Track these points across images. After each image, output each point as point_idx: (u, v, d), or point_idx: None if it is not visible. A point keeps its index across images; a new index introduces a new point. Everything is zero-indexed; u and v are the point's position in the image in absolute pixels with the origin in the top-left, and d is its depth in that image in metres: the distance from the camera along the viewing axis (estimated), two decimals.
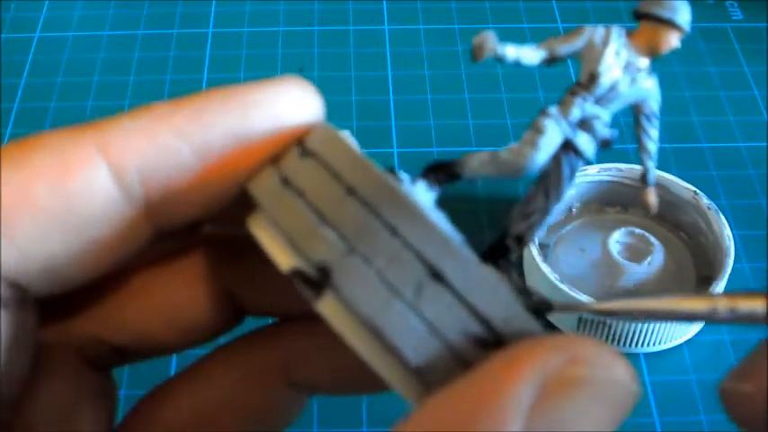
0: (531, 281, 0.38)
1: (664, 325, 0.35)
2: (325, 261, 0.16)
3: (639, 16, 0.22)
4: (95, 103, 0.48)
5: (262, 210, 0.18)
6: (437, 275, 0.15)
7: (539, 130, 0.20)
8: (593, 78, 0.21)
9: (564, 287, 0.35)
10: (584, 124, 0.21)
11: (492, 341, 0.15)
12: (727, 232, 0.37)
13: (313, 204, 0.17)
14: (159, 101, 0.18)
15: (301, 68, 0.49)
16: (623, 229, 0.39)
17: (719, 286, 0.36)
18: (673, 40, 0.23)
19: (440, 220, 0.18)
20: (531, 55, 0.22)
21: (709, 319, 0.18)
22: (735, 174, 0.44)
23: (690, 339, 0.37)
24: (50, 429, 0.19)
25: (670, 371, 0.37)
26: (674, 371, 0.37)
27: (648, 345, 0.36)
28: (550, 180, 0.21)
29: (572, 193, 0.40)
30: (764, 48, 0.50)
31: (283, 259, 0.17)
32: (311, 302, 0.16)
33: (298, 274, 0.16)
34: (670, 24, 0.22)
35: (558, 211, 0.40)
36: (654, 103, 0.22)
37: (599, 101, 0.21)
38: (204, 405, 0.22)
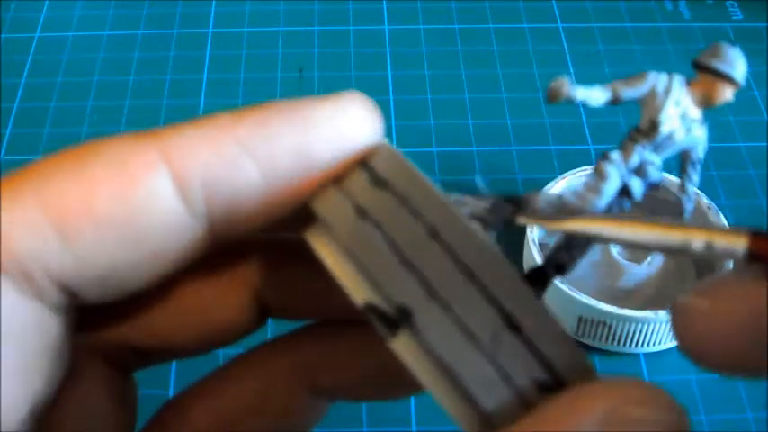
0: None
1: (664, 325, 0.35)
2: (405, 302, 0.16)
3: (699, 67, 0.23)
4: (95, 103, 0.48)
5: (333, 235, 0.18)
6: (513, 325, 0.16)
7: (603, 177, 0.21)
8: (654, 127, 0.22)
9: (564, 287, 0.36)
10: (639, 170, 0.22)
11: (553, 384, 0.16)
12: None
13: (393, 241, 0.17)
14: (224, 112, 0.17)
15: (301, 68, 0.49)
16: None
17: None
18: (728, 94, 0.24)
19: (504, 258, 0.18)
20: (598, 96, 0.23)
21: (682, 253, 0.17)
22: (735, 174, 0.44)
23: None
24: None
25: (670, 371, 0.37)
26: (674, 371, 0.37)
27: (648, 345, 0.36)
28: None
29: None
30: (764, 48, 0.51)
31: (359, 292, 0.17)
32: (385, 338, 0.17)
33: (374, 309, 0.17)
34: (728, 79, 0.22)
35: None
36: (701, 150, 0.23)
37: (656, 148, 0.22)
38: (230, 409, 0.21)
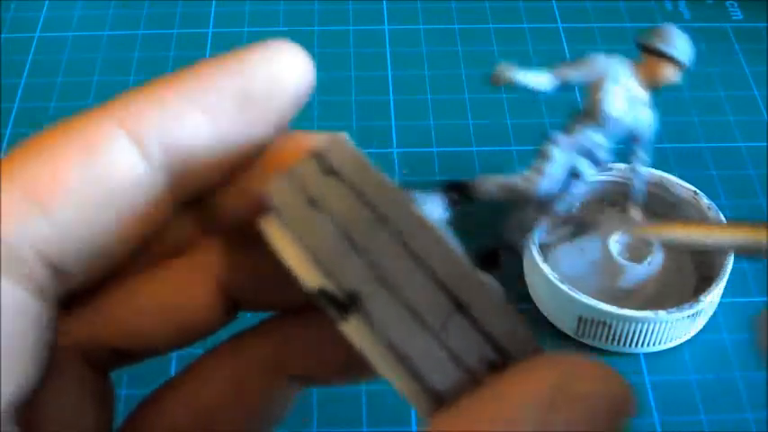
0: (532, 281, 0.38)
1: (664, 325, 0.35)
2: (355, 287, 0.17)
3: (643, 49, 0.23)
4: (95, 102, 0.48)
5: (285, 223, 0.18)
6: (461, 307, 0.16)
7: (546, 158, 0.22)
8: (599, 109, 0.23)
9: (564, 287, 0.36)
10: (587, 151, 0.22)
11: (502, 363, 0.17)
12: None
13: (343, 228, 0.17)
14: (168, 74, 0.19)
15: None
16: (623, 229, 0.39)
17: (719, 286, 0.36)
18: (673, 75, 0.24)
19: (453, 241, 0.19)
20: (540, 80, 0.23)
21: (756, 251, 0.18)
22: (735, 174, 0.44)
23: (690, 339, 0.37)
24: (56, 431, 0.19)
25: (670, 371, 0.37)
26: (674, 371, 0.37)
27: (648, 345, 0.36)
28: (548, 198, 0.22)
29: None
30: (764, 48, 0.51)
31: (310, 278, 0.17)
32: (336, 322, 0.17)
33: (325, 294, 0.17)
34: (672, 60, 0.23)
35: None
36: (648, 130, 0.24)
37: (602, 130, 0.22)
38: (205, 402, 0.22)
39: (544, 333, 0.38)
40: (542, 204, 0.21)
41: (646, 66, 0.23)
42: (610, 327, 0.36)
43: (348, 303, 0.17)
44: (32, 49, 0.51)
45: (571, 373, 0.16)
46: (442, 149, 0.45)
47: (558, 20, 0.53)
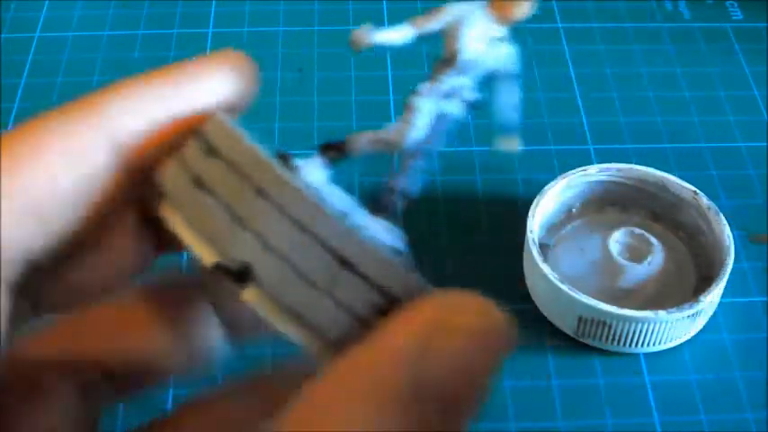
0: (532, 281, 0.38)
1: (664, 325, 0.35)
2: (246, 258, 0.18)
3: None
4: None
5: (177, 207, 0.20)
6: (345, 263, 0.18)
7: (413, 110, 0.23)
8: (454, 55, 0.24)
9: (564, 287, 0.36)
10: (453, 94, 0.24)
11: (389, 308, 0.18)
12: (727, 232, 0.37)
13: (226, 205, 0.19)
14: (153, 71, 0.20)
15: (301, 68, 0.49)
16: (623, 229, 0.39)
17: (719, 286, 0.36)
18: (524, 8, 0.25)
19: (337, 196, 0.21)
20: (398, 35, 0.25)
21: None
22: (735, 174, 0.44)
23: (690, 339, 0.37)
24: None
25: (670, 371, 0.37)
26: (674, 371, 0.37)
27: (648, 345, 0.36)
28: (427, 139, 0.23)
29: (573, 193, 0.40)
30: (764, 48, 0.50)
31: (206, 255, 0.19)
32: (235, 293, 0.18)
33: (220, 268, 0.18)
34: None
35: (557, 212, 0.40)
36: (510, 65, 0.25)
37: (463, 72, 0.23)
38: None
39: (544, 333, 0.38)
40: (413, 152, 0.23)
41: (497, 2, 0.24)
42: (610, 327, 0.36)
43: (243, 273, 0.18)
44: (32, 49, 0.51)
45: (450, 307, 0.17)
46: (441, 149, 0.45)
47: (558, 20, 0.53)
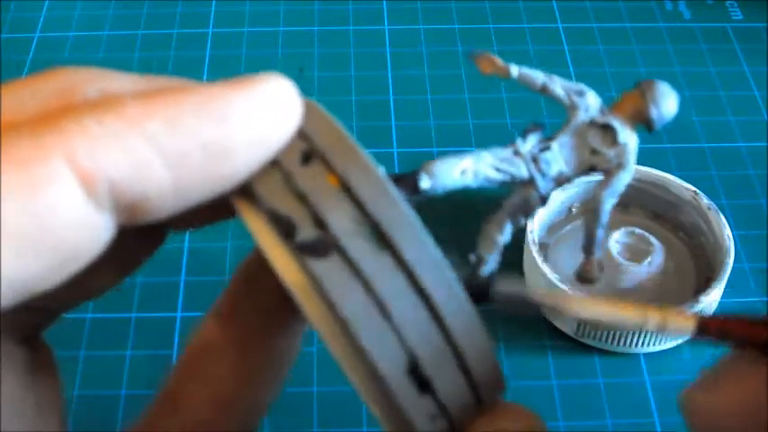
0: (531, 281, 0.38)
1: None
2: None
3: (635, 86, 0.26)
4: None
5: (261, 208, 0.18)
6: (422, 291, 0.17)
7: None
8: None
9: (564, 287, 0.36)
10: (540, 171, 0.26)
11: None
12: (727, 232, 0.37)
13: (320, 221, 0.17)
14: (133, 98, 0.16)
15: (301, 68, 0.49)
16: (623, 229, 0.39)
17: (719, 286, 0.36)
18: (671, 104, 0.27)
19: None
20: (532, 80, 0.26)
21: (640, 328, 0.20)
22: (735, 174, 0.44)
23: (690, 339, 0.37)
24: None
25: (670, 371, 0.37)
26: (674, 371, 0.37)
27: (648, 345, 0.36)
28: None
29: (572, 193, 0.40)
30: (764, 48, 0.51)
31: (289, 274, 0.17)
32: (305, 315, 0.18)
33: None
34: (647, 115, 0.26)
35: (557, 213, 0.40)
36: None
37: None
38: (219, 385, 0.22)
39: (544, 333, 0.38)
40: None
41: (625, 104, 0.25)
42: (610, 327, 0.36)
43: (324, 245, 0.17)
44: (32, 49, 0.51)
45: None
46: (442, 149, 0.45)
47: (558, 20, 0.53)
